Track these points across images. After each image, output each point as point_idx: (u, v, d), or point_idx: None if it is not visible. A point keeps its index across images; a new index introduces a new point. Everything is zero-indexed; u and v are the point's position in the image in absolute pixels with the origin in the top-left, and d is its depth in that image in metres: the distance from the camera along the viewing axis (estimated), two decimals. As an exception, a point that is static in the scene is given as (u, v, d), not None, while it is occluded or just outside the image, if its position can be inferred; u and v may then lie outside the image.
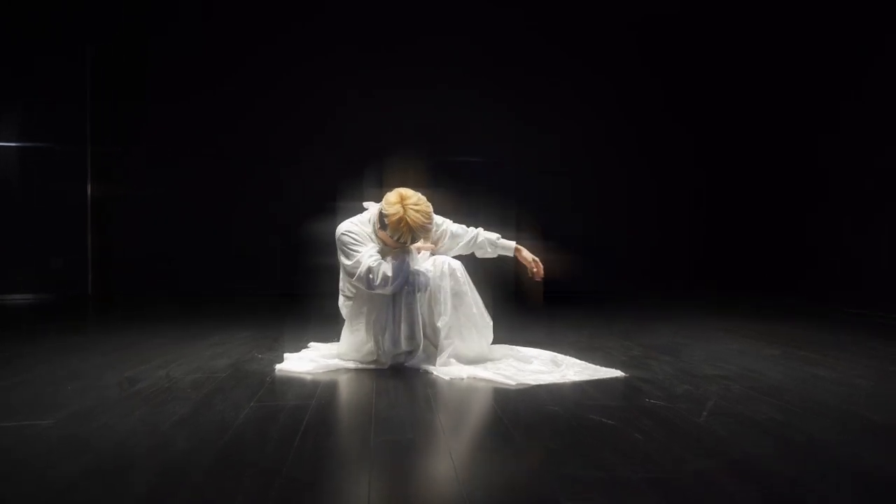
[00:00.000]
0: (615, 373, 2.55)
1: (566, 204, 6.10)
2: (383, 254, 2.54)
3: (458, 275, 2.61)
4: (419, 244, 2.66)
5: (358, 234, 2.53)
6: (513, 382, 2.33)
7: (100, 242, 5.53)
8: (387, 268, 2.42)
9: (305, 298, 5.23)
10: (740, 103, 6.41)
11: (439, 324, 2.53)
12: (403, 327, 2.51)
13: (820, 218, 5.84)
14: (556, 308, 5.11)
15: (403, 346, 2.53)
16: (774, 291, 5.98)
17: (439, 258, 2.64)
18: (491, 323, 2.72)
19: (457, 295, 2.58)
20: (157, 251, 5.63)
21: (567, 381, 2.42)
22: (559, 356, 2.85)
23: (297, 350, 2.89)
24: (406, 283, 2.47)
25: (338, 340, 3.05)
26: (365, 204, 2.69)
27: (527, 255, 2.85)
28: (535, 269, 2.82)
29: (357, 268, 2.44)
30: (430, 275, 2.55)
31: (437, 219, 2.73)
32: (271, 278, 5.61)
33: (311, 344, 2.99)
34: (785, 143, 6.17)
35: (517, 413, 1.94)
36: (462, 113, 5.84)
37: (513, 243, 2.87)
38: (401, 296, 2.50)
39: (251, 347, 3.03)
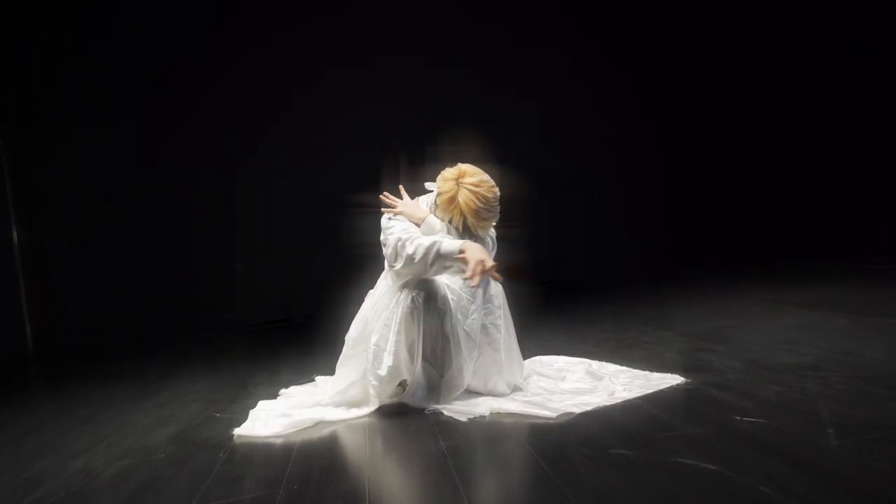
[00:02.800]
0: (673, 379, 1.99)
1: (554, 183, 5.49)
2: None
3: (496, 303, 2.00)
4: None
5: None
6: (552, 413, 1.74)
7: (37, 290, 4.82)
8: (422, 240, 1.89)
9: (279, 330, 4.61)
10: (739, 71, 5.88)
11: (463, 377, 1.94)
12: (401, 349, 1.90)
13: (822, 175, 5.44)
14: (559, 301, 4.55)
15: (404, 372, 1.94)
16: (785, 254, 5.47)
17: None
18: (522, 362, 2.15)
19: (486, 331, 1.98)
20: (108, 293, 4.92)
21: (618, 400, 1.85)
22: (594, 364, 2.28)
23: (267, 399, 2.27)
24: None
25: (313, 381, 2.45)
26: (427, 185, 2.13)
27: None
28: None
29: (388, 240, 1.96)
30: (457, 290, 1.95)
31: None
32: (239, 309, 4.95)
33: (284, 391, 2.37)
34: (786, 107, 5.70)
35: (574, 468, 1.35)
36: (441, 89, 5.16)
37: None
38: (397, 305, 1.91)
39: (208, 403, 2.40)
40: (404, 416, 1.90)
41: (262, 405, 2.18)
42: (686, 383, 1.94)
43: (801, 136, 5.62)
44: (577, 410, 1.76)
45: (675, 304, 3.64)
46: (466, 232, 2.00)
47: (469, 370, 1.95)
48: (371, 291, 2.12)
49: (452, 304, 1.92)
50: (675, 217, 5.94)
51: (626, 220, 5.79)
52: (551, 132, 5.55)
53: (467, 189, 1.94)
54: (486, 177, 1.99)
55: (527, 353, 2.36)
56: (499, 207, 2.01)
